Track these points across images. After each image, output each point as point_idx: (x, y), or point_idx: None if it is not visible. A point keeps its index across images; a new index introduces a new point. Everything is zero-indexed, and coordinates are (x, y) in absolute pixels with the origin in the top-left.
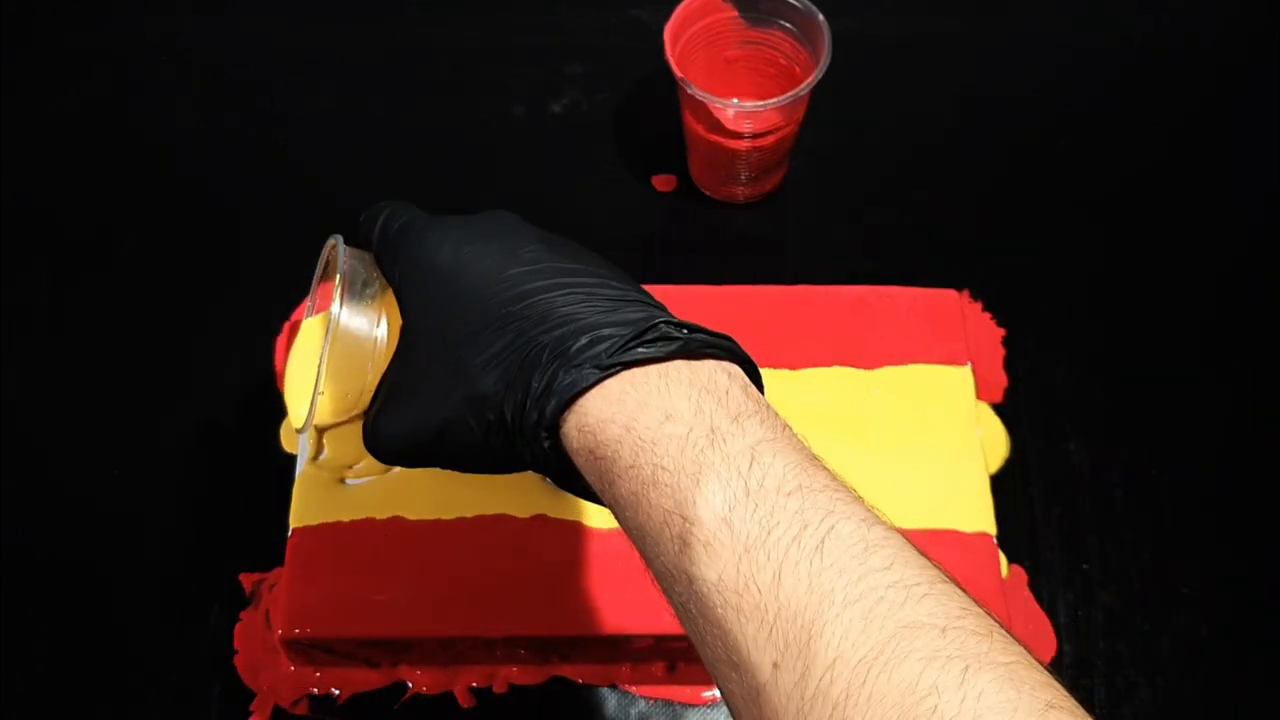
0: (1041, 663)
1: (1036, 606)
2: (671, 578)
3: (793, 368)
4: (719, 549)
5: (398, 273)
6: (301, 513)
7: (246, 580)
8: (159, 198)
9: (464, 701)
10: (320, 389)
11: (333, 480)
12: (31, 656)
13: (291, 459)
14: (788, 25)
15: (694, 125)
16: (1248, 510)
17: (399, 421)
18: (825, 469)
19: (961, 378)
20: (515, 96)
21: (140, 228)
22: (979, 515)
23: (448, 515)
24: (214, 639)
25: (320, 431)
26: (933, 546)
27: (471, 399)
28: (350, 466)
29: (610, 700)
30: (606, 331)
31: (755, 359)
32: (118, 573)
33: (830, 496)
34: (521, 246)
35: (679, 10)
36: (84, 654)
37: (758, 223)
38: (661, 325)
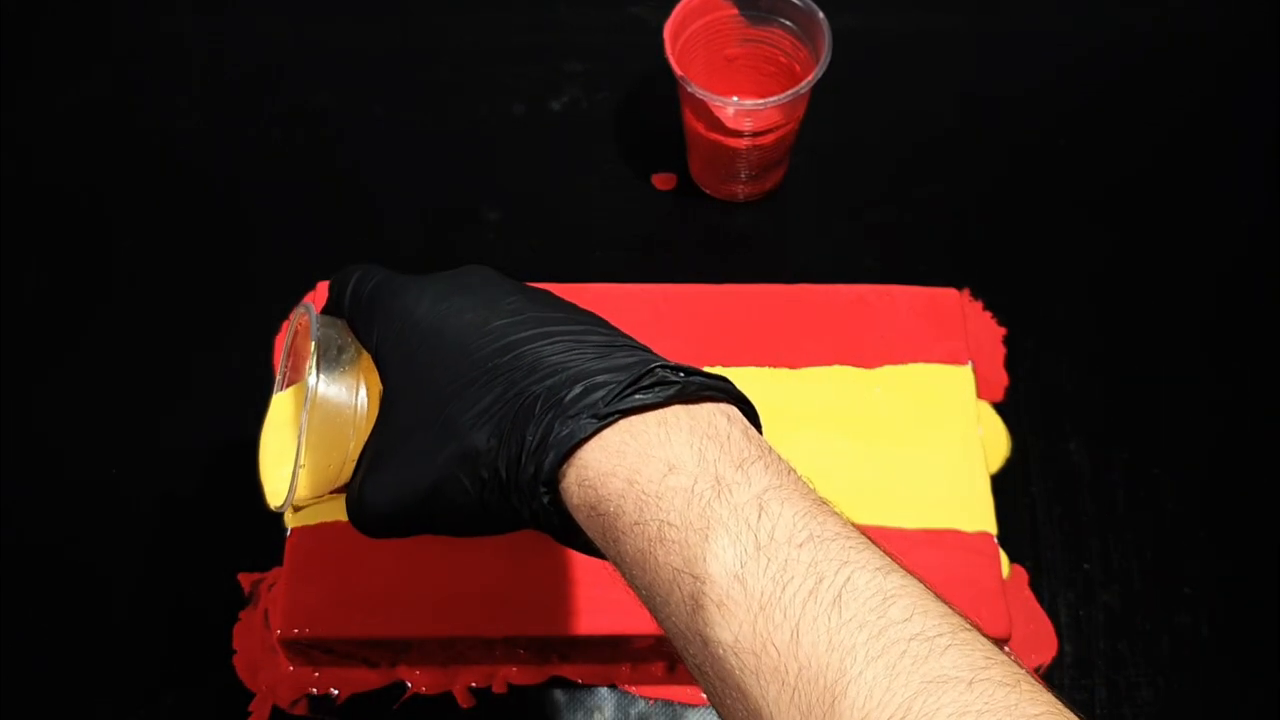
0: (1074, 711)
1: (1037, 606)
2: (685, 639)
3: (793, 367)
4: (733, 608)
5: (375, 334)
6: (301, 512)
7: (245, 580)
8: (159, 197)
9: (463, 701)
10: (301, 462)
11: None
12: (31, 656)
13: None
14: (788, 23)
15: (694, 123)
16: (1248, 510)
17: (386, 488)
18: (835, 514)
19: (962, 377)
20: (515, 95)
21: (140, 227)
22: (980, 514)
23: None
24: (213, 639)
25: (297, 510)
26: (933, 546)
27: (463, 457)
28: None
29: (610, 700)
30: (601, 379)
31: (755, 358)
32: (117, 573)
33: (843, 545)
34: (501, 299)
35: (679, 8)
36: (84, 654)
37: (758, 221)
38: (658, 370)
